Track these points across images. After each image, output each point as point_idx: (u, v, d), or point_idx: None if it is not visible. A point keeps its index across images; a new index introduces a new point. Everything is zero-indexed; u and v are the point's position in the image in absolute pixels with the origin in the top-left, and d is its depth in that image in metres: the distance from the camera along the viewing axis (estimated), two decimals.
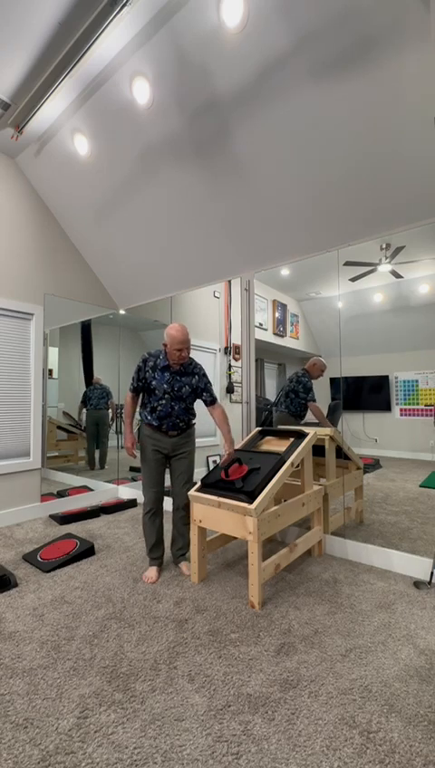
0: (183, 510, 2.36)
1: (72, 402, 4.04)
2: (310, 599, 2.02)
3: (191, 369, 2.35)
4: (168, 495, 2.82)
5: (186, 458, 2.39)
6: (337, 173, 2.38)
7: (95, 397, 4.18)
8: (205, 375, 2.39)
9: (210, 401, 2.38)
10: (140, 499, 3.82)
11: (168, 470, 2.43)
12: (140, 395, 2.39)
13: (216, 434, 3.63)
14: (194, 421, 2.44)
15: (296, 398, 2.99)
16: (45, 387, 3.57)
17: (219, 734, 1.22)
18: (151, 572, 2.27)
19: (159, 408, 2.29)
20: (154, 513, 2.34)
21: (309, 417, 2.94)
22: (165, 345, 2.27)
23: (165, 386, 2.28)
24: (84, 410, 4.13)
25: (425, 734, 1.21)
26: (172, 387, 2.29)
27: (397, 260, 2.48)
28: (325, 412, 2.89)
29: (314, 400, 2.93)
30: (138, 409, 2.43)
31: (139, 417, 2.44)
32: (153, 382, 2.28)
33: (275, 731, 1.23)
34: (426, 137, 2.04)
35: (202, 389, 2.37)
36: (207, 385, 2.38)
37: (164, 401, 2.28)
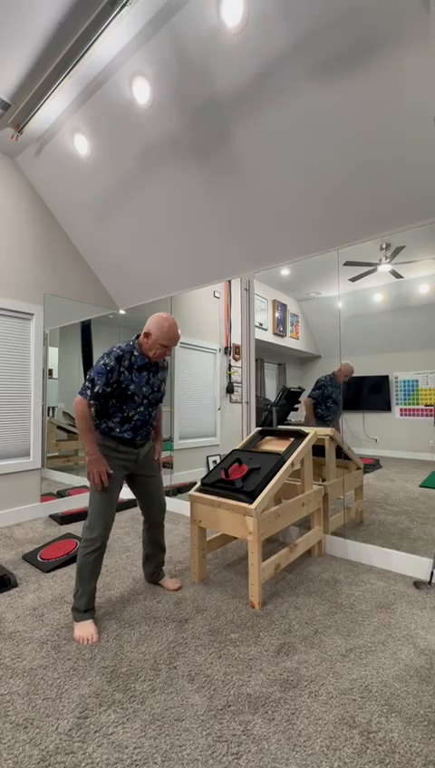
0: (162, 523, 2.15)
1: (72, 402, 4.03)
2: (310, 599, 2.02)
3: (162, 363, 2.02)
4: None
5: (155, 464, 2.11)
6: (337, 173, 2.38)
7: None
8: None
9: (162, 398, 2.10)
10: None
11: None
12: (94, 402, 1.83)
13: (216, 434, 3.63)
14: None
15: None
16: (45, 387, 3.57)
17: (219, 734, 1.22)
18: (90, 628, 1.73)
19: (135, 417, 1.89)
20: (102, 551, 1.84)
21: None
22: (145, 336, 1.86)
23: (144, 389, 1.90)
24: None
25: (425, 734, 1.21)
26: (152, 388, 1.94)
27: (397, 260, 2.48)
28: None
29: (311, 397, 2.94)
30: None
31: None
32: (131, 386, 1.84)
33: (275, 731, 1.23)
34: (426, 137, 2.04)
35: (164, 386, 2.08)
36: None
37: (142, 408, 1.90)
